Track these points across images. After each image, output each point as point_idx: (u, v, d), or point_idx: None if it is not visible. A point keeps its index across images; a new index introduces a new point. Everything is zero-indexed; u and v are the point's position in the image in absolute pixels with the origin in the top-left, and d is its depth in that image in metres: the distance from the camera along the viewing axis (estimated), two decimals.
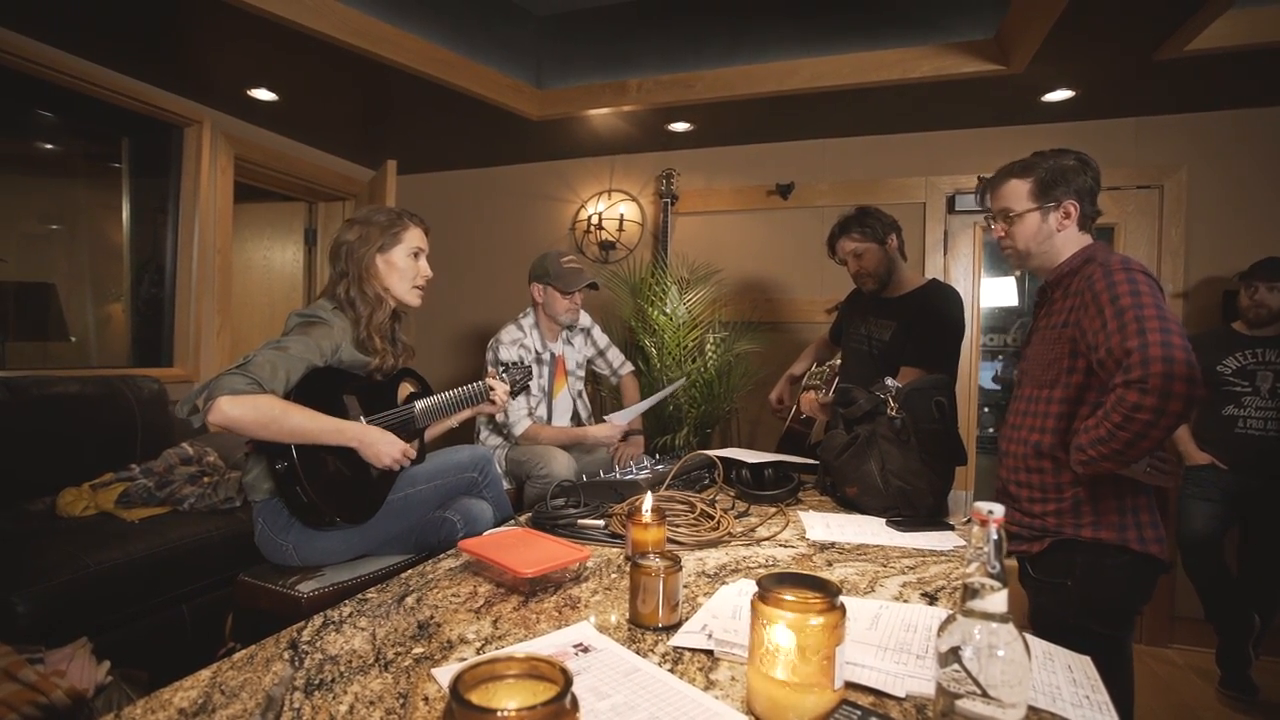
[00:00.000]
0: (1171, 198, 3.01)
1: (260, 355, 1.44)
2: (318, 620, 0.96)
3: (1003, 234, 1.56)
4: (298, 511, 1.54)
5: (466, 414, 1.88)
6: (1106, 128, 3.07)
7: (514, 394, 1.95)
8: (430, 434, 1.86)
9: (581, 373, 2.82)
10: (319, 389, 1.53)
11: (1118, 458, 1.29)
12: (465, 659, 0.85)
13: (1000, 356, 3.60)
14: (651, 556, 0.96)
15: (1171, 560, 1.42)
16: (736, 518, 1.52)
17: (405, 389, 1.80)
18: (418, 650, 0.87)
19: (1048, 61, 2.44)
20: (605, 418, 2.57)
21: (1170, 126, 3.01)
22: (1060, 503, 1.45)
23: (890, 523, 1.53)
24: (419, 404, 1.74)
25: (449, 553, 1.31)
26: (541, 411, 2.62)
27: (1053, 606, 1.45)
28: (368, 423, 1.62)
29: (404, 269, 1.72)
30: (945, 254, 3.31)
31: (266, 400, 1.39)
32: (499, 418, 2.54)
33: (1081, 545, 1.41)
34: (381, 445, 1.56)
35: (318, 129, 3.51)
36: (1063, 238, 1.50)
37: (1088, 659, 0.87)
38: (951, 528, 1.49)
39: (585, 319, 2.81)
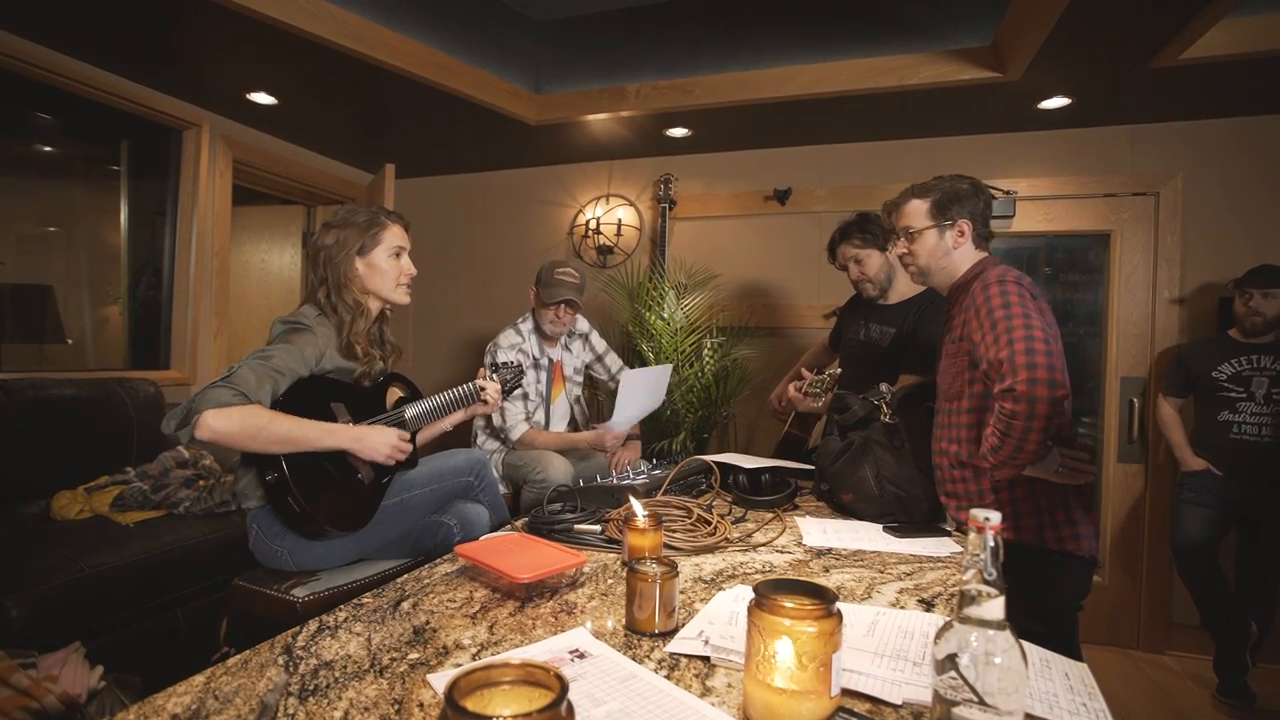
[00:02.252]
0: (1167, 204, 3.02)
1: (244, 367, 1.43)
2: (313, 625, 0.96)
3: (905, 250, 1.68)
4: (290, 522, 1.53)
5: (459, 416, 1.86)
6: (1102, 135, 3.08)
7: (506, 393, 1.93)
8: (423, 437, 1.85)
9: (580, 378, 2.82)
10: (305, 398, 1.52)
11: (1013, 461, 1.37)
12: (461, 665, 0.85)
13: None
14: (648, 562, 0.96)
15: (1096, 556, 1.52)
16: (733, 523, 1.52)
17: (394, 393, 1.79)
18: (413, 656, 0.87)
19: (1044, 69, 2.46)
20: (595, 426, 2.56)
21: (1166, 134, 3.02)
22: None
23: (887, 529, 1.53)
24: (409, 408, 1.72)
25: (445, 557, 1.30)
26: (539, 416, 2.62)
27: None
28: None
29: (386, 270, 1.69)
30: None
31: (253, 411, 1.37)
32: (495, 421, 2.54)
33: (1009, 549, 1.45)
34: (374, 440, 1.54)
35: (316, 133, 3.51)
36: (959, 255, 1.61)
37: (1084, 666, 0.87)
38: (948, 534, 1.49)
39: (583, 324, 2.82)
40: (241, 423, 1.35)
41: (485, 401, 1.84)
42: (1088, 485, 1.49)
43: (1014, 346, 1.32)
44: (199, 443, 1.35)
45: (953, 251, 1.61)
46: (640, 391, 2.56)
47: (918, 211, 1.64)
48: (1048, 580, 1.48)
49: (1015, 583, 1.42)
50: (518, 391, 2.49)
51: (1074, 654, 1.50)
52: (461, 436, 2.75)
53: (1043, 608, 1.48)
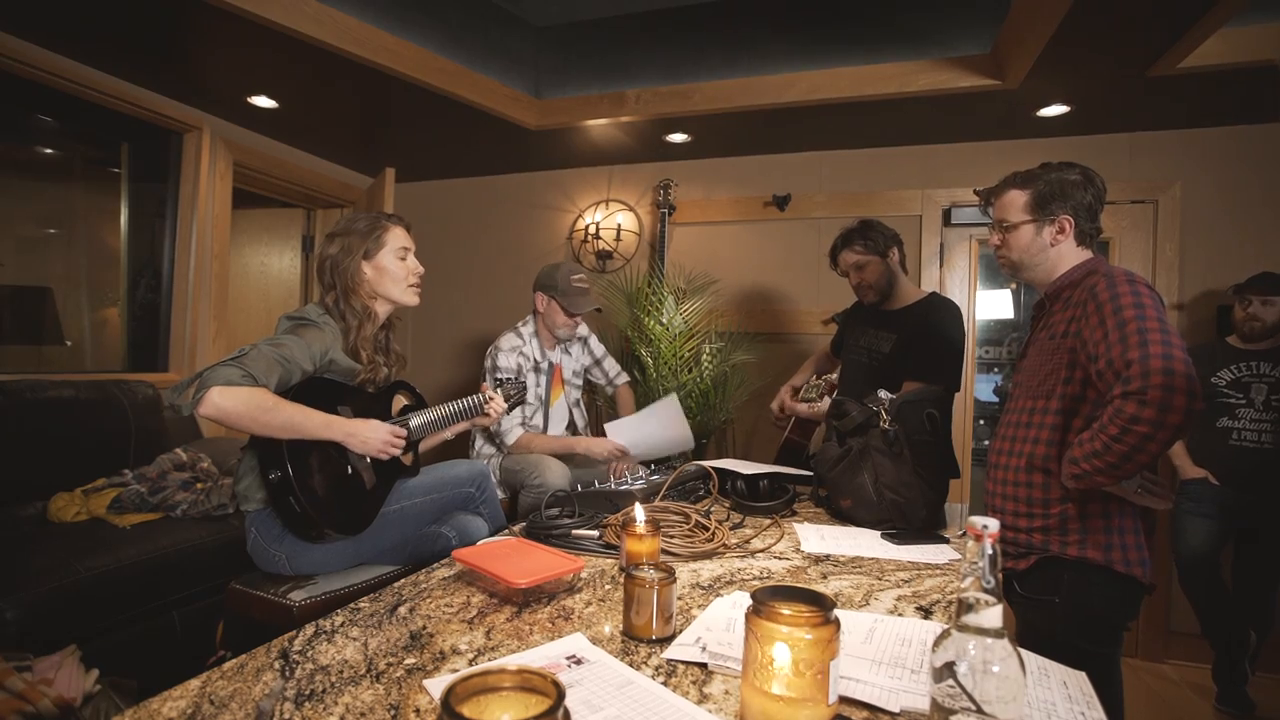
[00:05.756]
0: (1166, 212, 3.03)
1: (255, 350, 1.44)
2: (309, 629, 0.96)
3: (999, 243, 1.59)
4: (290, 523, 1.53)
5: (462, 427, 1.86)
6: (1101, 143, 3.09)
7: (509, 408, 1.94)
8: (425, 445, 1.85)
9: (579, 381, 2.82)
10: (313, 400, 1.52)
11: (1112, 471, 1.27)
12: (457, 670, 0.85)
13: (996, 369, 3.61)
14: (646, 568, 0.96)
15: (1155, 582, 1.44)
16: (731, 529, 1.52)
17: (399, 401, 1.79)
18: (410, 661, 0.87)
19: (1043, 77, 2.46)
20: (606, 426, 2.54)
21: (1164, 142, 3.03)
22: (1047, 519, 1.44)
23: (885, 535, 1.53)
24: (414, 417, 1.72)
25: (443, 562, 1.30)
26: (538, 420, 2.61)
27: (1041, 624, 1.45)
28: None
29: (394, 271, 1.70)
30: (941, 266, 3.32)
31: (260, 393, 1.38)
32: (491, 426, 2.53)
33: (1067, 563, 1.41)
34: (366, 433, 1.54)
35: (317, 136, 3.52)
36: (1057, 252, 1.51)
37: (1083, 675, 0.87)
38: (947, 541, 1.49)
39: (583, 328, 2.81)
40: (247, 403, 1.36)
41: (488, 415, 1.84)
42: (1153, 512, 1.41)
43: (1148, 350, 1.23)
44: (201, 416, 1.34)
45: (1050, 249, 1.51)
46: (656, 423, 2.54)
47: (1014, 204, 1.54)
48: (1106, 601, 1.40)
49: (1071, 599, 1.39)
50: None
51: (1118, 675, 1.45)
52: (462, 442, 2.76)
53: (1096, 627, 1.41)
